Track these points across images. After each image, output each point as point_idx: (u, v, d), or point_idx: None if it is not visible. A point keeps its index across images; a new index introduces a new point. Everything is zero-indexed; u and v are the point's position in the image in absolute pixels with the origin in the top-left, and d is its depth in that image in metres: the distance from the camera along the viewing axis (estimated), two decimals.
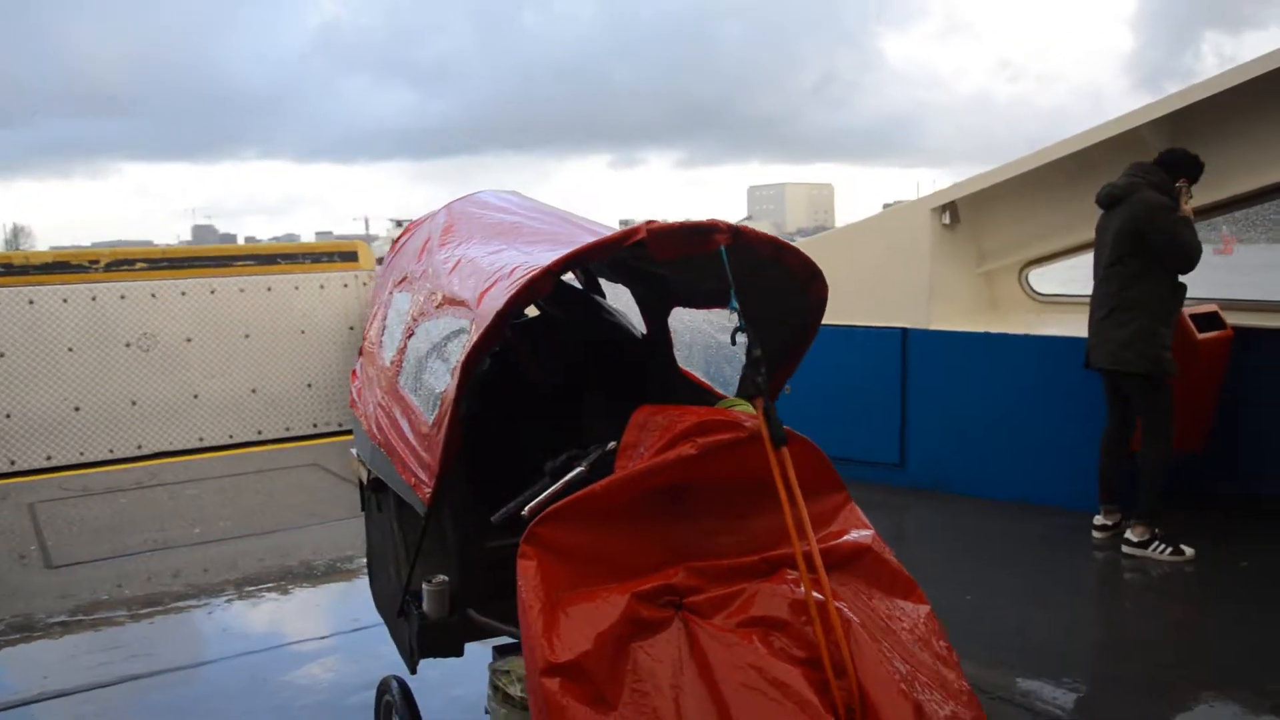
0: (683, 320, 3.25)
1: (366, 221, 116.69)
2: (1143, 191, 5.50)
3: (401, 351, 2.88)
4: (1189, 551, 5.58)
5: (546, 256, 2.36)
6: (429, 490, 2.48)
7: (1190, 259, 5.42)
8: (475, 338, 2.26)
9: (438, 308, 2.72)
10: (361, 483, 3.35)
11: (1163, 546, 5.61)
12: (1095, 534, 5.98)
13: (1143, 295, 5.48)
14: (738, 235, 2.29)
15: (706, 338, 3.16)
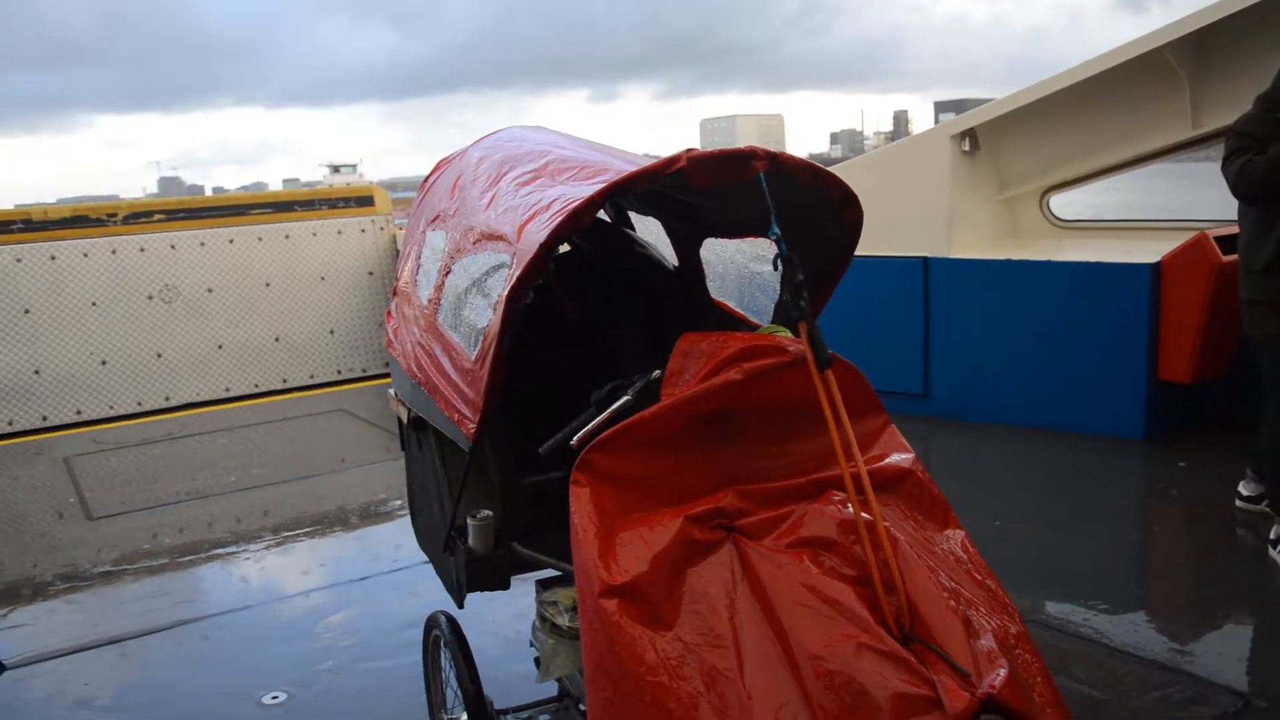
0: (715, 250, 3.24)
1: (334, 167, 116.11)
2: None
3: (439, 289, 2.89)
4: None
5: (584, 188, 2.36)
6: (473, 426, 2.50)
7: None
8: (519, 271, 2.26)
9: (475, 244, 2.72)
10: (401, 422, 3.38)
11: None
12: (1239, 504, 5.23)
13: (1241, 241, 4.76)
14: (775, 162, 2.28)
15: (740, 267, 3.15)
